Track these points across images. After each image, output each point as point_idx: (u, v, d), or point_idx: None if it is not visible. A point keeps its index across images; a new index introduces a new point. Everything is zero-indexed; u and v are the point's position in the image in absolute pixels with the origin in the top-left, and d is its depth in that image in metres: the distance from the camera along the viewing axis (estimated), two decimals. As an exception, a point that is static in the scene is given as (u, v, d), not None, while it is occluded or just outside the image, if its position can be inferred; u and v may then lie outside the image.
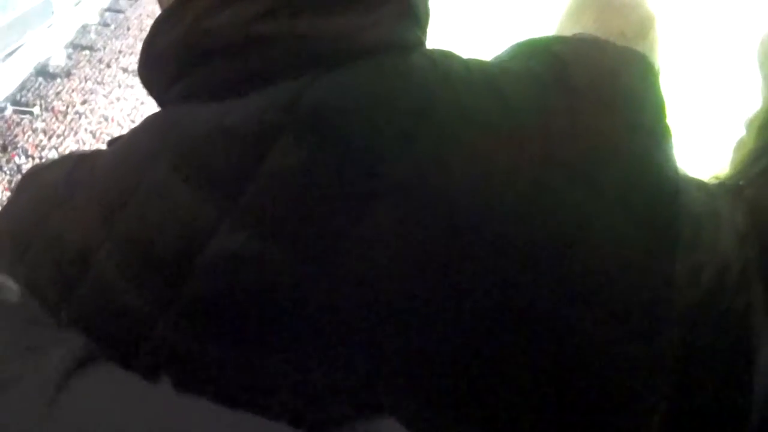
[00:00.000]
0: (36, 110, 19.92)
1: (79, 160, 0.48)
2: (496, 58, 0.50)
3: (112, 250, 0.42)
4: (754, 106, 0.73)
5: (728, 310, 0.48)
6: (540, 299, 0.41)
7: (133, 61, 23.78)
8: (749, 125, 0.69)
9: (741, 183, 0.61)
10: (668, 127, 0.46)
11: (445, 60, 0.45)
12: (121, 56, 24.81)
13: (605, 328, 0.41)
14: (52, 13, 20.69)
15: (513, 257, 0.40)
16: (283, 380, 0.40)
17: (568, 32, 1.00)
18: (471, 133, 0.42)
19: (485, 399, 0.41)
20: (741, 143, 0.71)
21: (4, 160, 16.98)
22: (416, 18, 0.47)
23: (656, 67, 0.50)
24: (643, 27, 0.98)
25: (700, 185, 0.53)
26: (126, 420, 0.34)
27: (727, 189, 0.54)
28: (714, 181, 0.61)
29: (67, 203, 0.45)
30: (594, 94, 0.45)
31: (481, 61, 0.47)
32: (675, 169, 0.46)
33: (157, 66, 0.46)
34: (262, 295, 0.40)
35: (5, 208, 0.50)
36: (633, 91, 0.47)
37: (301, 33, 0.43)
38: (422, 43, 0.48)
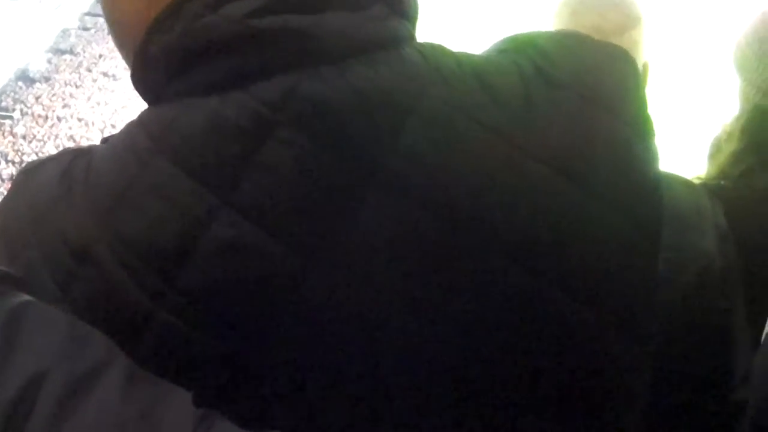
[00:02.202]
0: (16, 115, 19.67)
1: (75, 157, 0.48)
2: (484, 52, 0.51)
3: (111, 244, 0.42)
4: (731, 108, 0.74)
5: (708, 309, 0.49)
6: (533, 294, 0.41)
7: (113, 65, 23.55)
8: (731, 127, 0.70)
9: (722, 183, 0.62)
10: (650, 120, 0.47)
11: (435, 54, 0.47)
12: (101, 60, 24.54)
13: (595, 323, 0.42)
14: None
15: (506, 253, 0.41)
16: (274, 374, 0.41)
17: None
18: (461, 127, 0.43)
19: (482, 396, 0.41)
20: (716, 143, 0.72)
21: (-18, 165, 16.74)
22: (406, 13, 0.48)
23: (637, 64, 0.51)
24: (621, 25, 1.00)
25: (685, 182, 0.54)
26: None
27: (709, 188, 0.55)
28: (696, 181, 0.62)
29: (64, 201, 0.45)
30: (576, 86, 0.46)
31: (471, 54, 0.48)
32: (656, 163, 0.46)
33: (154, 66, 0.47)
34: (256, 287, 0.41)
35: (0, 208, 0.50)
36: (615, 85, 0.47)
37: (295, 29, 0.44)
38: (413, 37, 0.48)
